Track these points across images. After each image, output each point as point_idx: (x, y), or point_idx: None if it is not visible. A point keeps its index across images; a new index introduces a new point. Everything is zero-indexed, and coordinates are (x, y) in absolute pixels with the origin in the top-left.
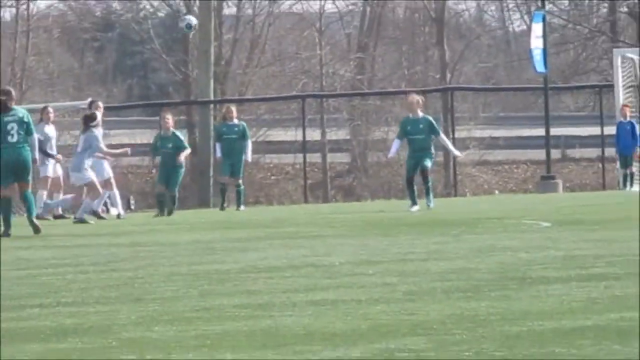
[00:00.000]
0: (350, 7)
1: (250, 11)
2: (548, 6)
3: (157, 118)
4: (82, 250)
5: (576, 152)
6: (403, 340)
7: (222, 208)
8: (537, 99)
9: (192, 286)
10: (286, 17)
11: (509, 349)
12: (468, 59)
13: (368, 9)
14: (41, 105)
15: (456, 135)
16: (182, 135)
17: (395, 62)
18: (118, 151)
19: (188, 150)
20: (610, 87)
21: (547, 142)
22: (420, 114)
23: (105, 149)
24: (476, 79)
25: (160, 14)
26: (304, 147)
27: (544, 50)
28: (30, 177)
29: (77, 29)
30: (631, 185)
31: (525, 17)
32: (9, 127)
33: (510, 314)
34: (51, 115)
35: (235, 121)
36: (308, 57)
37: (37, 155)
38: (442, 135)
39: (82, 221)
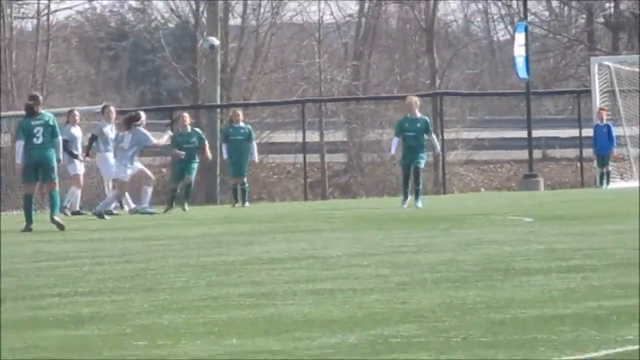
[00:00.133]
0: (347, 19)
1: (254, 22)
2: (530, 17)
3: (168, 121)
4: (98, 244)
5: (556, 153)
6: (396, 327)
7: (234, 205)
8: (519, 103)
9: (200, 277)
10: (287, 27)
11: (494, 334)
12: (456, 66)
13: (363, 20)
14: (67, 109)
15: (445, 137)
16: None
17: (388, 69)
18: (163, 142)
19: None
20: (588, 92)
21: (529, 143)
22: (418, 114)
23: (156, 141)
24: (463, 84)
25: (171, 25)
26: (304, 148)
27: (526, 58)
28: (54, 176)
29: (94, 38)
30: (607, 183)
31: (509, 27)
32: (34, 130)
33: (495, 303)
34: (77, 118)
35: (242, 124)
36: (308, 65)
37: (61, 155)
38: (433, 135)
39: (100, 216)
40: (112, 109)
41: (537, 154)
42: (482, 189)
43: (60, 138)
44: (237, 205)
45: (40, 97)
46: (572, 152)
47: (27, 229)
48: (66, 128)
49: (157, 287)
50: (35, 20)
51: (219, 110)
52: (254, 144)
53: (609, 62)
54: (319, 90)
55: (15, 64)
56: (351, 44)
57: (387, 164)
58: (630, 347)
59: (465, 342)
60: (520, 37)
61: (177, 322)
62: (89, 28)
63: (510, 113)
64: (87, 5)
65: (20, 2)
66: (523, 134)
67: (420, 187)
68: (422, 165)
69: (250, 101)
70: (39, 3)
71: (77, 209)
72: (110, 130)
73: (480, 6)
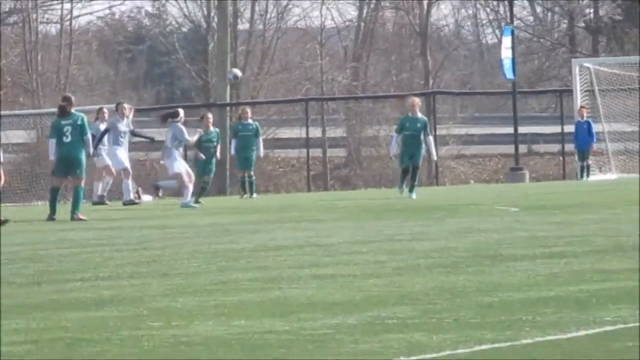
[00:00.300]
0: (347, 23)
1: (261, 27)
2: (516, 22)
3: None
4: (117, 232)
5: (540, 147)
6: (392, 309)
7: (242, 196)
8: (506, 102)
9: (211, 262)
10: (292, 31)
11: (483, 316)
12: (448, 67)
13: (362, 24)
14: (97, 107)
15: (438, 133)
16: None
17: (385, 70)
18: (195, 140)
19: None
20: (570, 92)
21: (515, 138)
22: (419, 114)
23: (190, 139)
24: (455, 84)
25: (184, 29)
26: (307, 143)
27: (513, 60)
28: (81, 172)
29: (113, 42)
30: (587, 175)
31: (497, 31)
32: (65, 129)
33: (484, 287)
34: (105, 115)
35: (250, 121)
36: (310, 66)
37: (91, 150)
38: (430, 137)
39: (187, 206)
40: (126, 105)
41: (522, 148)
42: (472, 181)
43: (89, 136)
44: (245, 196)
45: (73, 99)
46: (555, 147)
47: (51, 218)
48: (95, 124)
49: (171, 272)
50: (59, 25)
51: (228, 108)
52: (260, 139)
53: (589, 64)
54: (321, 89)
55: (41, 65)
56: (351, 46)
57: (384, 158)
58: (608, 328)
59: (456, 323)
60: (507, 41)
61: (190, 304)
62: (108, 32)
63: (498, 111)
64: (107, 11)
65: (45, 8)
66: (510, 130)
67: (416, 182)
68: (420, 164)
69: (258, 100)
70: (62, 9)
71: (131, 197)
72: (122, 125)
73: (470, 12)
